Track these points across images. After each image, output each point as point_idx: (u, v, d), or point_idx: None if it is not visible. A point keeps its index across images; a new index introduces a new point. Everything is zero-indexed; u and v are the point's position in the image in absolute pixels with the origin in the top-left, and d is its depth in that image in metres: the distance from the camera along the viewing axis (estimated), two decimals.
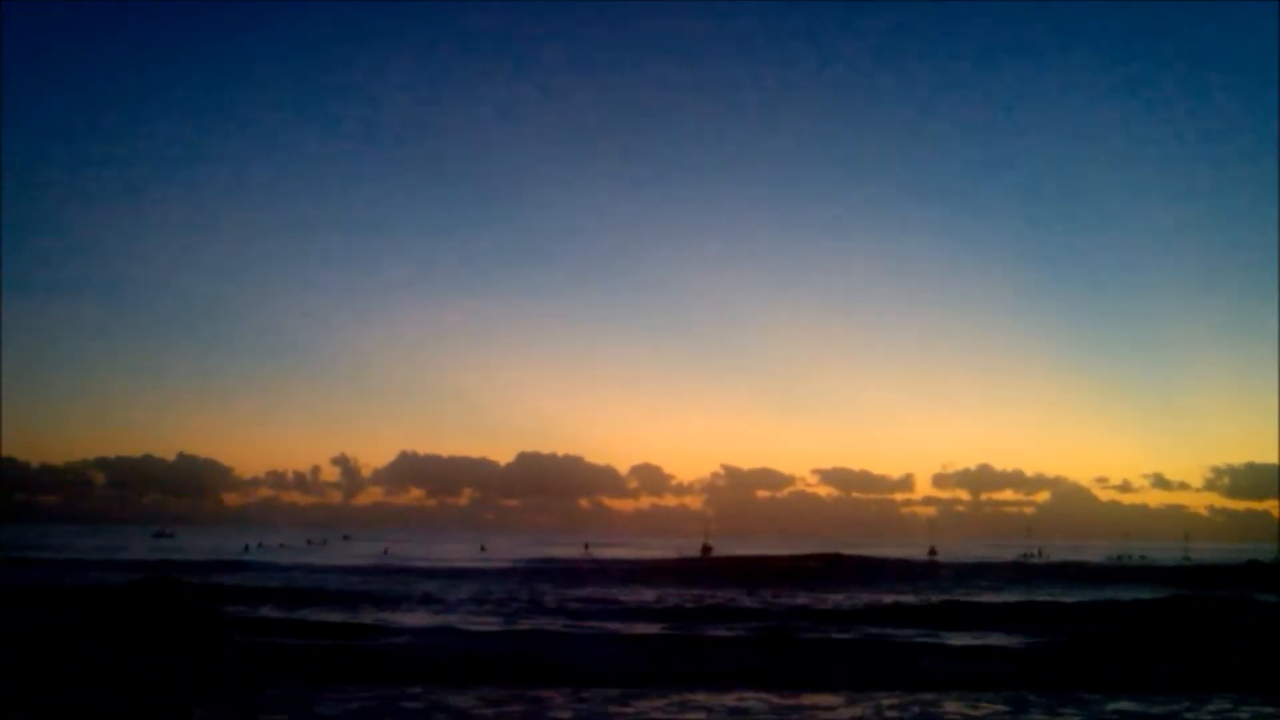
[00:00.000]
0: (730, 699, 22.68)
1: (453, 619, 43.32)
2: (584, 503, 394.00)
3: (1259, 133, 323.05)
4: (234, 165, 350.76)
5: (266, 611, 43.82)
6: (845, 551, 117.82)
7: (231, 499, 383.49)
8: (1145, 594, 58.53)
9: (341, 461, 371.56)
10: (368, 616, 43.51)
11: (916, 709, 21.89)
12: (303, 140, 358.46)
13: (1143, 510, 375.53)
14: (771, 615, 47.11)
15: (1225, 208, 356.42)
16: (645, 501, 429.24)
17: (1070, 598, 59.59)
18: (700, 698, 22.86)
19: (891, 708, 22.01)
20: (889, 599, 56.99)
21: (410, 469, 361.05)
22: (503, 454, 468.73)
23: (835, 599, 57.24)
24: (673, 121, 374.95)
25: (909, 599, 56.48)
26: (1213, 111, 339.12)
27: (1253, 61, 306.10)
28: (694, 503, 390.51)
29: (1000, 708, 22.13)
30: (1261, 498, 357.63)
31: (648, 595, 58.96)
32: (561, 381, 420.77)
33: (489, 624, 41.23)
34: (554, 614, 46.57)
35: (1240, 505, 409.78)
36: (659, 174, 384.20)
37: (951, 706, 22.22)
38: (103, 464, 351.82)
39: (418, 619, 43.20)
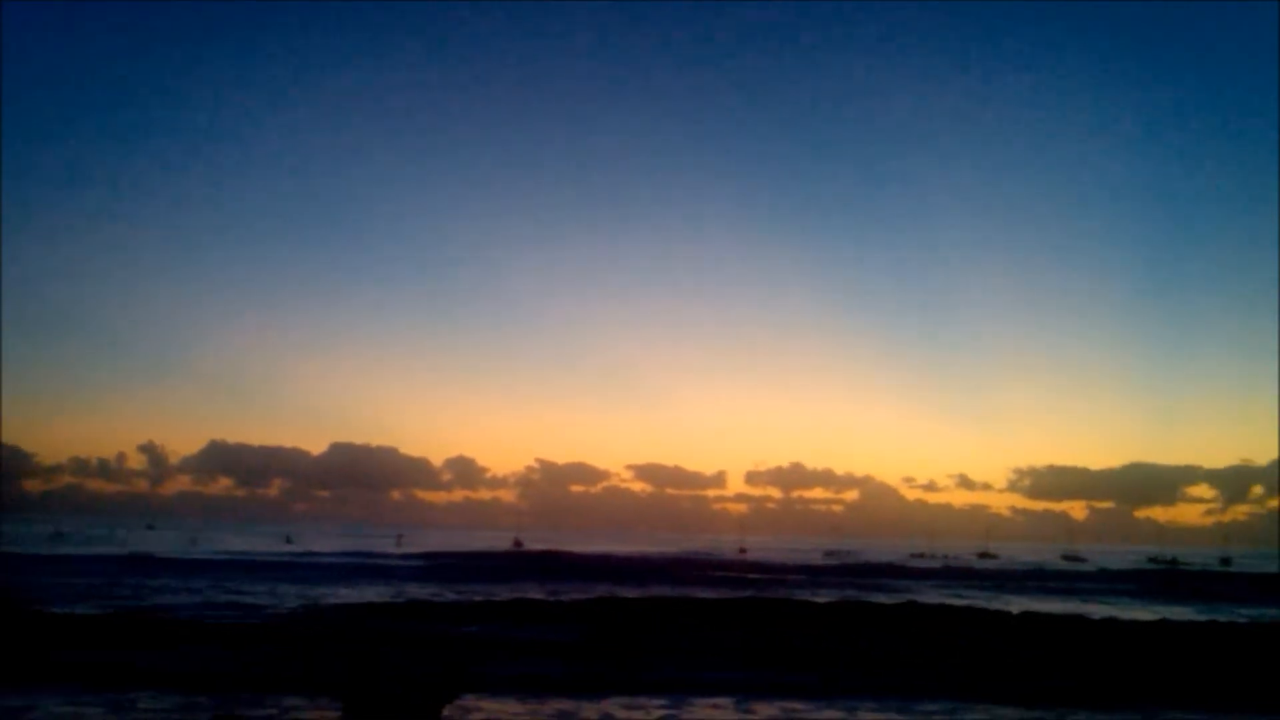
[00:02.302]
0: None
1: (247, 617, 42.11)
2: (397, 495, 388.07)
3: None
4: (51, 152, 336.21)
5: (58, 608, 41.87)
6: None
7: (32, 486, 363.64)
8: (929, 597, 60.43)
9: (148, 449, 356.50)
10: (149, 613, 42.14)
11: None
12: (116, 130, 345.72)
13: (948, 509, 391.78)
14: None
15: (1041, 215, 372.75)
16: (459, 494, 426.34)
17: (826, 597, 60.79)
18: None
19: None
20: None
21: (220, 458, 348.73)
22: (315, 444, 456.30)
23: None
24: (490, 119, 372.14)
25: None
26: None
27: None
28: (508, 496, 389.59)
29: None
30: (1060, 498, 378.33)
31: (449, 595, 58.11)
32: (376, 372, 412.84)
33: (284, 628, 39.44)
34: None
35: (1040, 505, 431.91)
36: (475, 169, 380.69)
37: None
38: None
39: (210, 616, 41.77)
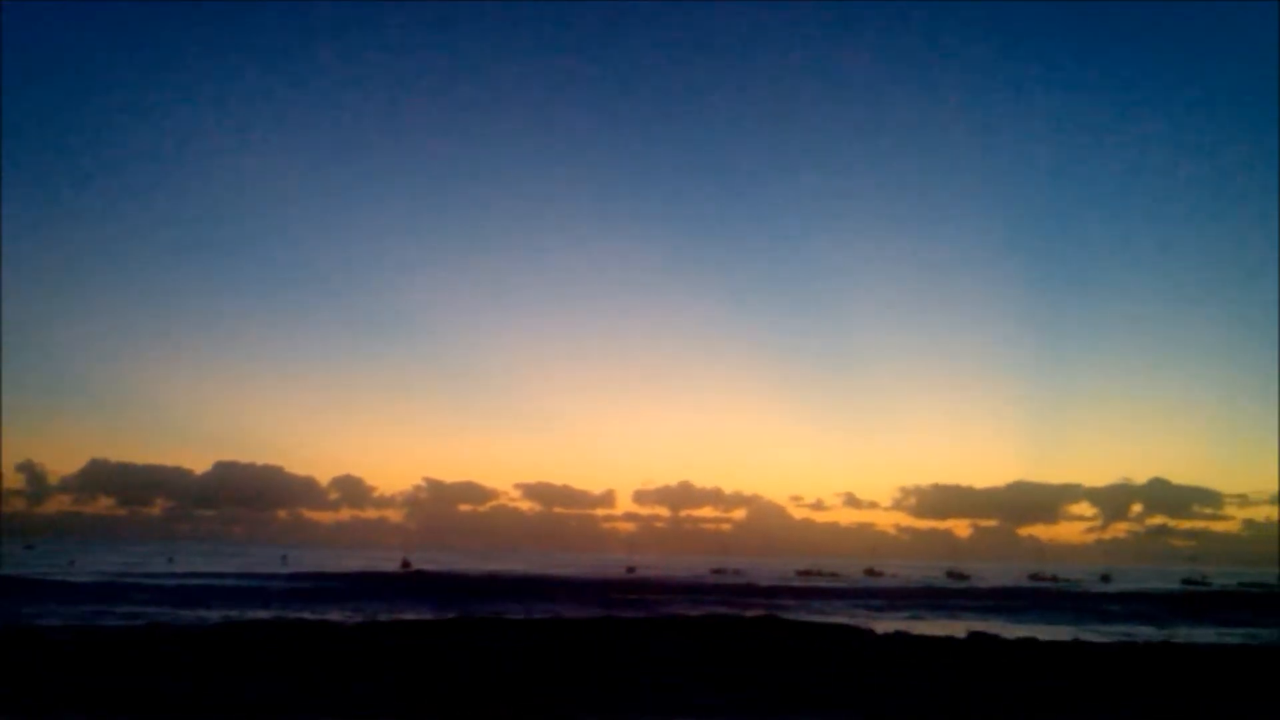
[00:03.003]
0: None
1: (124, 640, 40.99)
2: (283, 514, 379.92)
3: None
4: None
5: None
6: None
7: None
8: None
9: (26, 468, 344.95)
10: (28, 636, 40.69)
11: None
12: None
13: (834, 528, 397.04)
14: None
15: (927, 234, 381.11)
16: (346, 514, 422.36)
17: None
18: None
19: None
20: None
21: (101, 476, 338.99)
22: (198, 462, 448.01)
23: None
24: (379, 137, 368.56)
25: None
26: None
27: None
28: (395, 516, 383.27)
29: None
30: (944, 517, 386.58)
31: (334, 616, 57.42)
32: (262, 390, 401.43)
33: (167, 649, 38.59)
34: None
35: (925, 524, 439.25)
36: (363, 187, 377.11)
37: None
38: None
39: (88, 639, 40.56)
